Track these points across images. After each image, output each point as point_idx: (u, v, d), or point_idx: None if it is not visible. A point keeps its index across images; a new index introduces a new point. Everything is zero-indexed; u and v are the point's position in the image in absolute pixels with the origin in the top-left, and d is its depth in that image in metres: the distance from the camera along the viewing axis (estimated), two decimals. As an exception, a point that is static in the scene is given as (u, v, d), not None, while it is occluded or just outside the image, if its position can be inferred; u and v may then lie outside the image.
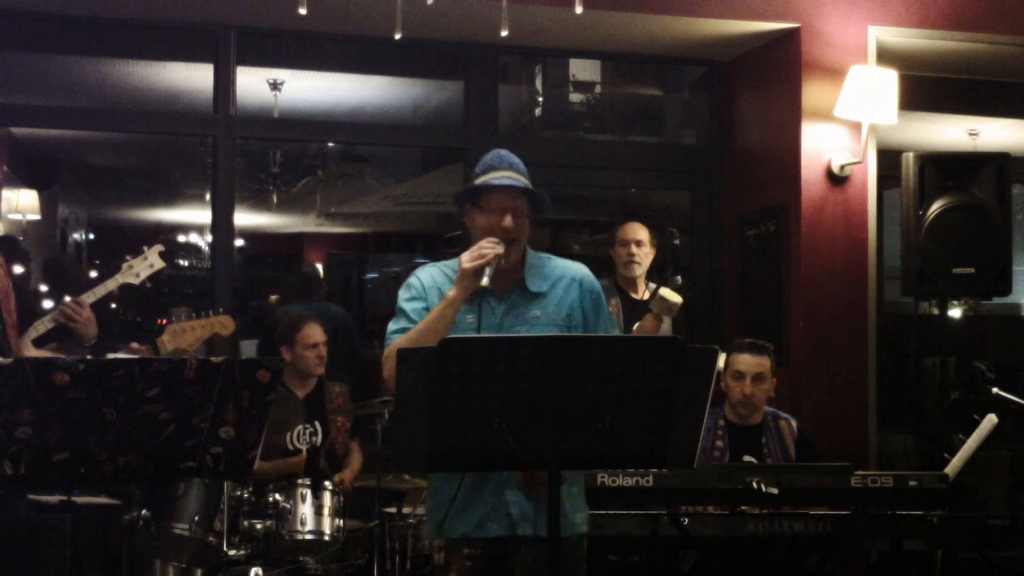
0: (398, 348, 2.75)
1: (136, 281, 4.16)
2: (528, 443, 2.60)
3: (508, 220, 3.08)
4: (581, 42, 6.16)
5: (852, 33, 5.76)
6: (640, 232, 5.39)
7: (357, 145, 9.71)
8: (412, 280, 3.21)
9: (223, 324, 4.35)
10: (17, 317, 3.43)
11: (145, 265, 4.18)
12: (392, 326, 3.16)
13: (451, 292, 3.04)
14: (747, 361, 4.59)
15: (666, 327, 5.16)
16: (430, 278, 3.19)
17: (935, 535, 4.12)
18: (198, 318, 4.33)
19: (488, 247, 3.01)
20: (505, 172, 3.13)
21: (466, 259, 3.02)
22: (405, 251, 12.51)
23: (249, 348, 7.66)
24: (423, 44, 6.25)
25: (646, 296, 5.33)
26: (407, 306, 3.16)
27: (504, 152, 3.20)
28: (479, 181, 3.15)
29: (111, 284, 4.15)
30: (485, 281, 2.98)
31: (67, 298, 3.99)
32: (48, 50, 6.56)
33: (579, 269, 3.25)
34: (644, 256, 5.38)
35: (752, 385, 4.57)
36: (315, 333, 5.17)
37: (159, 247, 4.23)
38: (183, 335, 4.23)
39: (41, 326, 3.91)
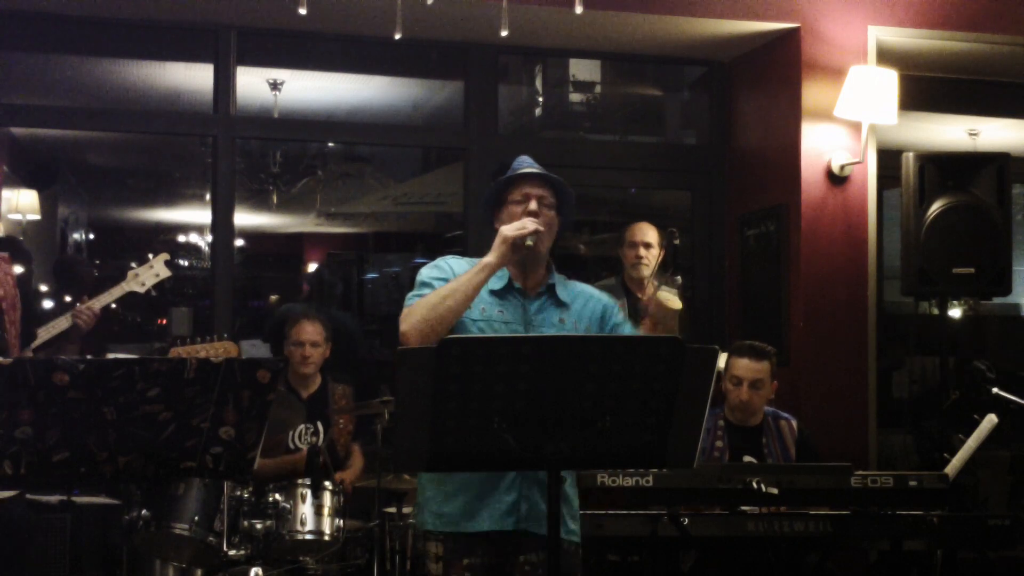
0: (410, 312, 3.02)
1: (141, 290, 4.18)
2: (528, 443, 2.60)
3: (533, 203, 3.17)
4: (581, 42, 6.15)
5: (852, 33, 5.75)
6: (649, 234, 5.39)
7: (357, 145, 9.71)
8: (440, 262, 3.25)
9: (227, 350, 4.36)
10: (21, 327, 3.43)
11: (151, 274, 4.19)
12: (411, 294, 3.16)
13: (487, 258, 3.09)
14: (745, 366, 4.56)
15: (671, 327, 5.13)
16: (460, 266, 3.21)
17: (935, 535, 4.11)
18: (202, 342, 4.33)
19: (530, 222, 3.11)
20: (529, 169, 3.26)
21: (508, 228, 3.09)
22: (405, 251, 12.49)
23: (249, 348, 7.65)
24: (423, 44, 6.25)
25: (650, 292, 5.31)
26: (434, 282, 3.16)
27: (529, 158, 3.34)
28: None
29: (116, 292, 4.17)
30: (529, 241, 3.07)
31: (79, 303, 4.01)
32: (48, 50, 6.55)
33: (603, 295, 3.38)
34: (653, 258, 5.37)
35: (749, 391, 4.55)
36: (306, 331, 5.16)
37: (165, 255, 4.24)
38: None
39: (59, 324, 3.93)
